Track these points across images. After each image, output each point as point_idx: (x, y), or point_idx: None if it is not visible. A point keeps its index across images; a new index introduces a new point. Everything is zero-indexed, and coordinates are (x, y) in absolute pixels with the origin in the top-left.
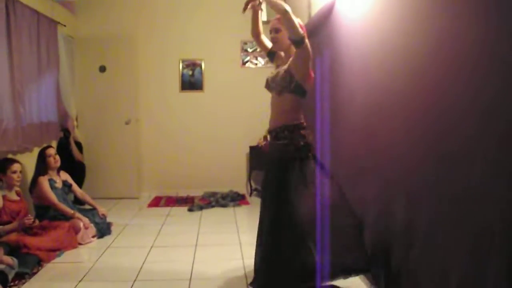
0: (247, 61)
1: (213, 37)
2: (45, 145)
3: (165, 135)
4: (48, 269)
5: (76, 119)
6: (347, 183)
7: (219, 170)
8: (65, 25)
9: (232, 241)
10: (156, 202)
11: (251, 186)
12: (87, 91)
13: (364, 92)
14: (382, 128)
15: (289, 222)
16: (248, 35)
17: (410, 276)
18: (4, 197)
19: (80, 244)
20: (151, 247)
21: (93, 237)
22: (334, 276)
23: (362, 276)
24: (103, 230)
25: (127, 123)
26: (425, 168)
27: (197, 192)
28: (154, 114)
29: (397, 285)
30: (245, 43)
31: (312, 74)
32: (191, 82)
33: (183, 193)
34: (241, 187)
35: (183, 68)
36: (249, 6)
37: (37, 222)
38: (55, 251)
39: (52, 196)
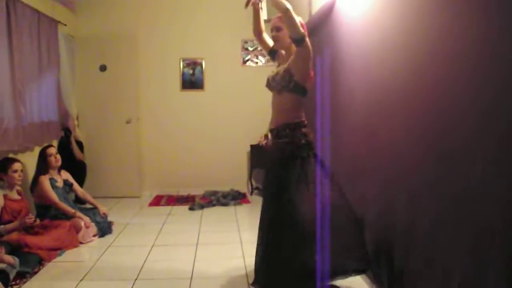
0: (247, 60)
1: (213, 36)
2: (46, 144)
3: (166, 134)
4: (49, 268)
5: (77, 118)
6: (348, 182)
7: (220, 169)
8: (65, 24)
9: (233, 240)
10: (157, 201)
11: (252, 184)
12: (87, 90)
13: (364, 90)
14: (383, 127)
15: (289, 221)
16: (249, 34)
17: (412, 276)
18: (5, 196)
19: (81, 243)
20: (152, 246)
21: (94, 236)
22: (334, 276)
23: (363, 275)
24: (104, 229)
25: (127, 122)
26: (425, 168)
27: (198, 191)
28: (155, 113)
29: (400, 284)
30: (246, 42)
31: (312, 74)
32: (192, 81)
33: (184, 192)
34: (242, 186)
35: (183, 67)
36: (250, 3)
37: (38, 221)
38: (56, 250)
39: (53, 195)
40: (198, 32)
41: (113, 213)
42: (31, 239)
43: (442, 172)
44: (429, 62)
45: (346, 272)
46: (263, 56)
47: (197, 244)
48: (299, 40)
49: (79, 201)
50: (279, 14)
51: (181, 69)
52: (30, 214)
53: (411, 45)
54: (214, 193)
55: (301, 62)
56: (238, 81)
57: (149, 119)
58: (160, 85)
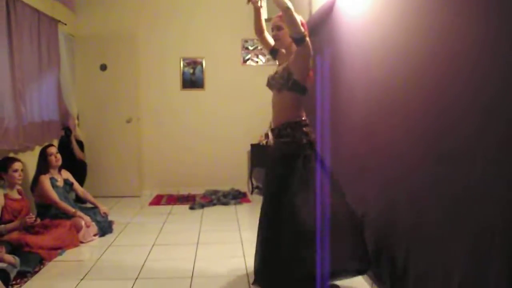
0: (248, 59)
1: (214, 35)
2: (46, 143)
3: (166, 133)
4: (50, 267)
5: (77, 118)
6: (348, 182)
7: (220, 168)
8: (65, 24)
9: (233, 239)
10: (158, 200)
11: (252, 184)
12: (88, 89)
13: (364, 90)
14: (383, 126)
15: (290, 221)
16: (249, 33)
17: (412, 276)
18: (5, 195)
19: (81, 242)
20: (153, 245)
21: (94, 235)
22: (334, 276)
23: (364, 275)
24: (105, 228)
25: (128, 122)
26: (425, 168)
27: (198, 190)
28: (155, 113)
29: (400, 284)
30: (246, 41)
31: (312, 74)
32: (192, 80)
33: (184, 191)
34: (243, 185)
35: (184, 66)
36: (250, 1)
37: (38, 220)
38: (57, 249)
39: (54, 195)
40: (198, 31)
41: (113, 212)
42: (31, 239)
43: (442, 172)
44: (429, 62)
45: (346, 272)
46: (264, 55)
47: (197, 243)
48: (299, 40)
49: (79, 200)
50: (280, 13)
51: (182, 68)
52: (31, 214)
53: (411, 44)
54: (215, 192)
55: (301, 61)
56: (238, 80)
57: (150, 119)
58: (160, 84)
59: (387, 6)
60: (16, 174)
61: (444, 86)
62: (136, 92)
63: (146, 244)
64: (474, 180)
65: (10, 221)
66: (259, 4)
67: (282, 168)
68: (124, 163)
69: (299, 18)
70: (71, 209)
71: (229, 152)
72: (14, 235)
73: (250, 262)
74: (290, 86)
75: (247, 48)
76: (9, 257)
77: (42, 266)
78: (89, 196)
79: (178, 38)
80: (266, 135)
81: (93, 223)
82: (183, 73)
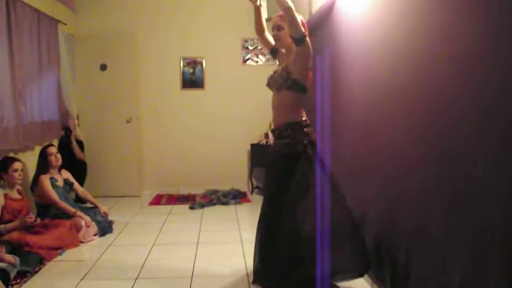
0: (248, 59)
1: (214, 35)
2: (46, 143)
3: (166, 133)
4: (50, 267)
5: (77, 118)
6: (348, 182)
7: (220, 168)
8: (65, 24)
9: (233, 239)
10: (158, 200)
11: (252, 183)
12: (88, 89)
13: (364, 89)
14: (382, 126)
15: (289, 221)
16: (249, 33)
17: (412, 276)
18: (5, 195)
19: (81, 242)
20: (153, 245)
21: (94, 235)
22: (334, 277)
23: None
24: (105, 228)
25: (128, 121)
26: (425, 167)
27: (198, 190)
28: (155, 112)
29: (400, 284)
30: (246, 41)
31: (311, 74)
32: (192, 80)
33: (184, 191)
34: (243, 185)
35: (184, 66)
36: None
37: (38, 220)
38: (57, 249)
39: (54, 195)
40: (198, 31)
41: (113, 212)
42: (31, 238)
43: (442, 172)
44: (429, 61)
45: (345, 273)
46: (264, 55)
47: (197, 243)
48: (299, 40)
49: (79, 200)
50: (280, 13)
51: (181, 68)
52: (31, 214)
53: (411, 44)
54: (215, 192)
55: (301, 61)
56: (238, 80)
57: (150, 118)
58: (160, 84)
59: (387, 6)
60: (16, 174)
61: (444, 86)
62: (136, 92)
63: (146, 244)
64: (474, 180)
65: (10, 221)
66: (258, 3)
67: (282, 169)
68: (124, 163)
69: (299, 18)
70: (71, 209)
71: (229, 152)
72: (14, 235)
73: (250, 261)
74: (289, 85)
75: (247, 48)
76: (9, 257)
77: (42, 266)
78: (89, 196)
79: (178, 38)
80: (266, 135)
81: (93, 223)
82: (183, 73)
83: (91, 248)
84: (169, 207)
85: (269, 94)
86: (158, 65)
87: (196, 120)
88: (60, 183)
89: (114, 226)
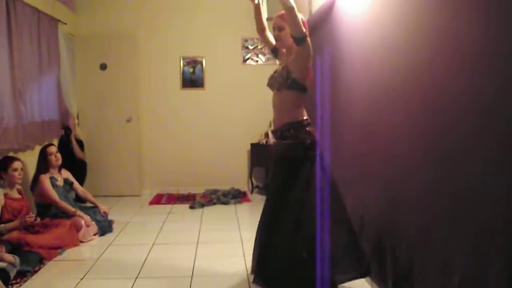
0: (248, 59)
1: (214, 34)
2: (46, 143)
3: (166, 132)
4: (50, 267)
5: (77, 117)
6: (348, 182)
7: (220, 168)
8: (65, 23)
9: (233, 239)
10: (158, 200)
11: (252, 183)
12: (88, 89)
13: (364, 89)
14: (382, 125)
15: (291, 222)
16: (249, 32)
17: (412, 276)
18: (5, 195)
19: (81, 242)
20: (153, 244)
21: (94, 235)
22: (334, 278)
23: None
24: (105, 227)
25: (128, 121)
26: (425, 167)
27: (198, 190)
28: (155, 112)
29: (400, 284)
30: (246, 40)
31: (312, 73)
32: (192, 80)
33: (184, 191)
34: (243, 184)
35: (184, 65)
36: None
37: (38, 220)
38: (57, 249)
39: (54, 194)
40: (198, 30)
41: (113, 211)
42: (31, 238)
43: (442, 172)
44: (428, 61)
45: (345, 275)
46: (264, 54)
47: (197, 242)
48: (300, 39)
49: (79, 200)
50: (281, 13)
51: (181, 67)
52: (31, 213)
53: (411, 43)
54: (215, 191)
55: (301, 61)
56: (238, 80)
57: (150, 118)
58: (160, 83)
59: (387, 6)
60: (16, 174)
61: (444, 86)
62: (136, 92)
63: (146, 243)
64: (474, 180)
65: (10, 220)
66: (256, 1)
67: (285, 170)
68: (124, 162)
69: (300, 17)
70: (71, 209)
71: (229, 151)
72: (14, 235)
73: (250, 261)
74: (290, 84)
75: (247, 48)
76: (9, 257)
77: (42, 266)
78: (89, 196)
79: (178, 37)
80: (266, 135)
81: (93, 223)
82: (183, 72)
83: (91, 248)
84: (169, 206)
85: (269, 93)
86: (158, 64)
87: (196, 120)
88: (60, 182)
89: (114, 226)
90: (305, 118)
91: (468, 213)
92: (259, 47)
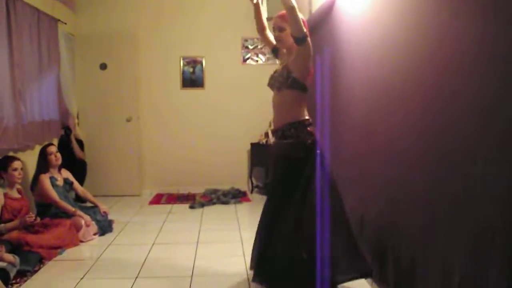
0: (248, 58)
1: (214, 34)
2: (46, 143)
3: (166, 132)
4: (50, 266)
5: (77, 117)
6: (348, 181)
7: (220, 167)
8: (65, 23)
9: (233, 238)
10: (158, 200)
11: (252, 183)
12: (88, 88)
13: (364, 88)
14: (382, 125)
15: (292, 222)
16: (249, 32)
17: (412, 276)
18: (5, 195)
19: (81, 241)
20: (153, 244)
21: (94, 234)
22: (335, 278)
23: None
24: (105, 227)
25: (128, 121)
26: (425, 167)
27: (198, 189)
28: (155, 112)
29: (400, 284)
30: (246, 40)
31: (312, 73)
32: (192, 79)
33: (184, 190)
34: (243, 184)
35: (184, 65)
36: None
37: (38, 220)
38: (57, 248)
39: (54, 194)
40: (198, 30)
41: (113, 211)
42: (31, 238)
43: (442, 172)
44: (428, 61)
45: (345, 275)
46: (263, 54)
47: (197, 242)
48: (301, 39)
49: (79, 199)
50: (281, 13)
51: (181, 67)
52: (31, 213)
53: (411, 43)
54: (215, 191)
55: (301, 60)
56: (238, 80)
57: (150, 118)
58: (160, 83)
59: (387, 5)
60: (16, 173)
61: (443, 85)
62: (136, 91)
63: (146, 243)
64: (474, 180)
65: (10, 220)
66: (254, 1)
67: (285, 169)
68: (124, 162)
69: (300, 17)
70: (71, 208)
71: (229, 151)
72: (14, 234)
73: (249, 260)
74: (290, 84)
75: (247, 47)
76: (9, 256)
77: (42, 265)
78: (89, 195)
79: (178, 37)
80: (266, 134)
81: (93, 222)
82: (183, 72)
83: (91, 248)
84: (169, 206)
85: (269, 93)
86: (158, 64)
87: (196, 120)
88: (60, 182)
89: (114, 226)
90: (306, 118)
91: (468, 213)
92: (259, 47)
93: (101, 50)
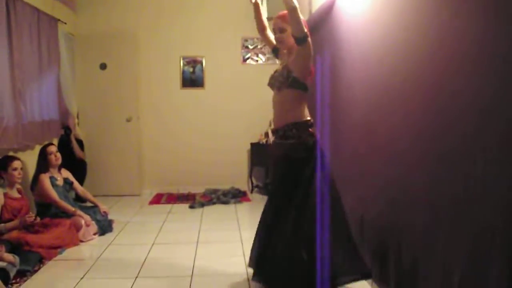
0: (248, 58)
1: (214, 34)
2: (46, 142)
3: (166, 132)
4: (50, 266)
5: (77, 117)
6: (347, 181)
7: (220, 167)
8: (65, 23)
9: (233, 238)
10: (158, 199)
11: (252, 182)
12: (88, 88)
13: (364, 88)
14: (382, 125)
15: (292, 222)
16: (249, 32)
17: (412, 276)
18: (5, 194)
19: (81, 241)
20: (153, 244)
21: (94, 234)
22: (335, 279)
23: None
24: (105, 227)
25: (128, 120)
26: (425, 167)
27: (198, 189)
28: (155, 111)
29: (400, 284)
30: (246, 40)
31: (312, 72)
32: (192, 79)
33: (184, 190)
34: (243, 184)
35: (184, 65)
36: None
37: (38, 219)
38: (57, 248)
39: (53, 194)
40: (198, 30)
41: (113, 211)
42: (31, 238)
43: (442, 172)
44: (428, 60)
45: (345, 275)
46: (263, 54)
47: (197, 242)
48: (301, 39)
49: (79, 199)
50: (281, 14)
51: (181, 67)
52: (30, 213)
53: (411, 43)
54: (215, 191)
55: (301, 60)
56: (238, 79)
57: (150, 117)
58: (160, 83)
59: (387, 5)
60: (16, 173)
61: (443, 85)
62: (136, 91)
63: (146, 243)
64: (474, 180)
65: (10, 220)
66: (253, 0)
67: (286, 170)
68: (124, 162)
69: (301, 17)
70: (71, 208)
71: (229, 151)
72: (14, 234)
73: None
74: (290, 83)
75: (247, 47)
76: (9, 256)
77: (41, 265)
78: (89, 195)
79: (178, 37)
80: (266, 134)
81: (93, 222)
82: (183, 72)
83: (91, 247)
84: (169, 206)
85: (269, 93)
86: (158, 64)
87: (196, 119)
88: (60, 182)
89: (114, 225)
90: (308, 118)
91: (468, 213)
92: (259, 46)
93: (101, 50)
